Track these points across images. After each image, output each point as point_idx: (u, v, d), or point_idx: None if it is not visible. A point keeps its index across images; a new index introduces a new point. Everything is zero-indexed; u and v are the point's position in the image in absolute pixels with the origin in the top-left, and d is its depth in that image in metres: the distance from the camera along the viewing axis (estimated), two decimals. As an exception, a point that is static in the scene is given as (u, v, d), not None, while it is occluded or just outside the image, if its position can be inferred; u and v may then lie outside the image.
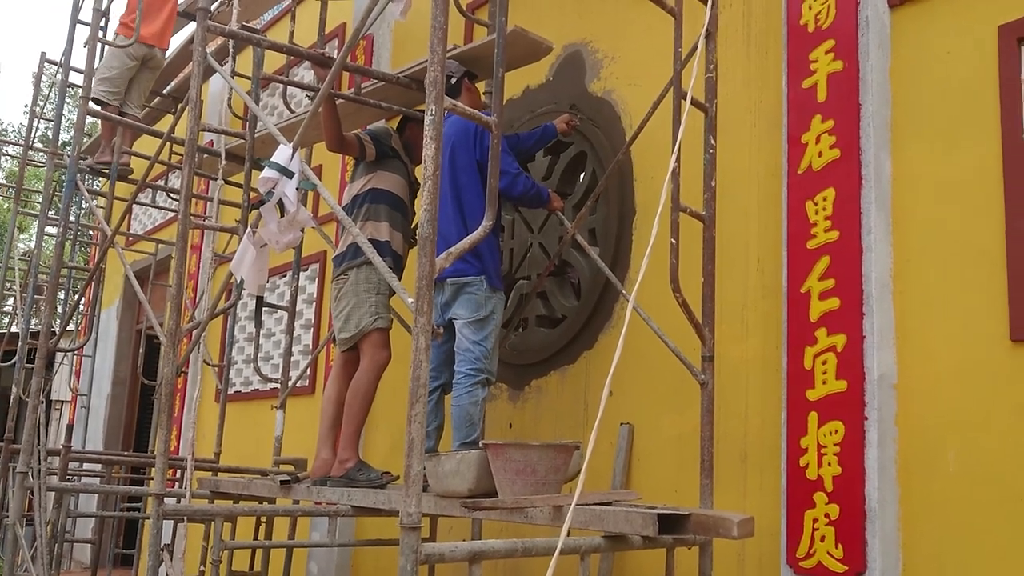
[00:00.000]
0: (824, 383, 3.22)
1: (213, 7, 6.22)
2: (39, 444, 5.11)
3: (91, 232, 10.13)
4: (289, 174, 3.43)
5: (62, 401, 13.30)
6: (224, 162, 5.49)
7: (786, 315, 3.42)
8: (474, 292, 3.87)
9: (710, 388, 3.30)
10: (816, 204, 3.36)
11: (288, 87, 5.96)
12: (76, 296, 8.91)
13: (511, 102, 5.15)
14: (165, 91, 8.54)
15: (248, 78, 6.68)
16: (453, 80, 4.15)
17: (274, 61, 7.33)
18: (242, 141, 5.21)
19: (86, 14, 7.43)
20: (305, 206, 4.09)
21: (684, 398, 3.85)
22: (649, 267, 3.97)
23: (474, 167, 3.95)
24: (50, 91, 13.58)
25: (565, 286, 4.77)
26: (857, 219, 3.24)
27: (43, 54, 8.30)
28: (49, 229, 13.68)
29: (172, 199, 9.29)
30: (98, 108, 6.10)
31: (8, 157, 23.83)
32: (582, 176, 4.74)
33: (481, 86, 4.80)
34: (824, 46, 3.45)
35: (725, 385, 3.69)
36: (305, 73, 7.22)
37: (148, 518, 7.47)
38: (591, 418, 4.31)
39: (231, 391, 7.26)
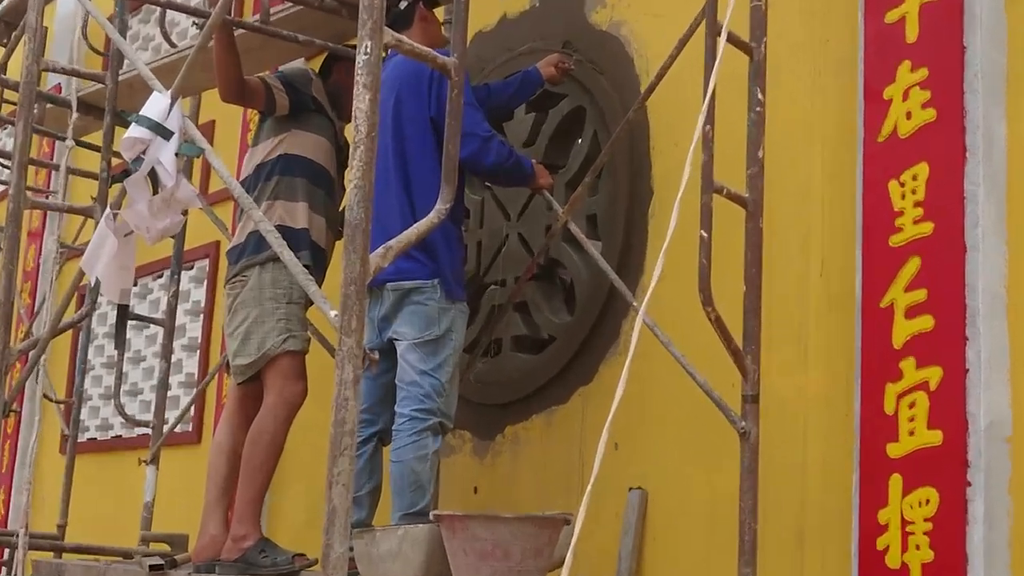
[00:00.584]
0: (911, 434, 3.23)
1: None
2: None
3: None
4: (166, 134, 3.41)
5: None
6: (76, 115, 5.44)
7: (859, 339, 3.41)
8: (424, 302, 3.87)
9: (753, 439, 3.29)
10: (903, 185, 3.37)
11: (168, 11, 5.91)
12: None
13: (481, 36, 5.13)
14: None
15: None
16: (403, 4, 4.15)
17: (149, -26, 7.30)
18: (101, 86, 5.17)
19: None
20: (189, 179, 4.08)
21: (717, 453, 3.84)
22: (669, 270, 3.93)
23: (427, 127, 3.95)
24: None
25: (554, 295, 4.77)
26: (959, 206, 3.25)
27: None
28: None
29: (0, 167, 9.23)
30: None
31: None
32: (579, 141, 4.75)
33: (442, 14, 4.80)
34: (916, -35, 3.48)
35: (774, 436, 3.68)
36: (192, -9, 7.19)
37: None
38: (588, 479, 4.30)
39: (83, 438, 7.17)
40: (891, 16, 3.50)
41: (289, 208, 4.21)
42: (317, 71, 4.62)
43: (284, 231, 3.95)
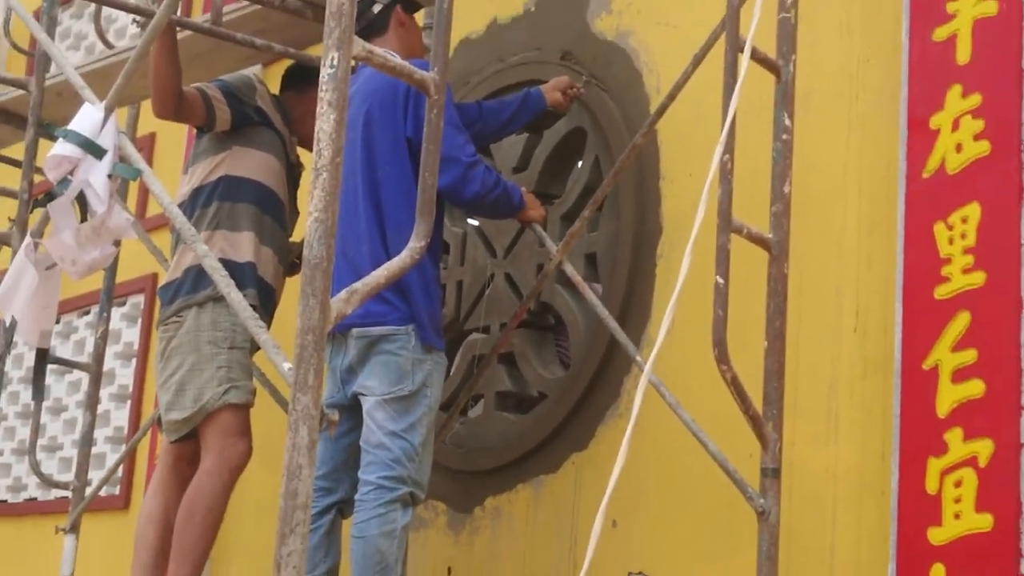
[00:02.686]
0: (957, 517, 3.22)
1: None
2: None
3: None
4: (98, 152, 3.41)
5: None
6: (-8, 126, 5.46)
7: (899, 405, 3.42)
8: (396, 352, 3.87)
9: (773, 520, 3.28)
10: (951, 228, 3.39)
11: (105, 7, 5.92)
12: None
13: (467, 44, 5.15)
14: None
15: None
16: (377, 7, 4.16)
17: (85, -37, 7.32)
18: (23, 93, 5.18)
19: None
20: (124, 203, 4.08)
21: (732, 535, 3.83)
22: (680, 320, 3.96)
23: (402, 149, 3.96)
24: None
25: (545, 345, 4.77)
26: (1016, 254, 3.26)
27: None
28: None
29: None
30: None
31: None
32: (578, 167, 4.75)
33: (423, 17, 4.81)
34: (969, -25, 3.51)
35: (799, 516, 3.68)
36: (134, -16, 7.21)
37: None
38: (581, 562, 4.28)
39: (-9, 500, 7.15)
40: (940, 33, 3.53)
41: (232, 239, 4.21)
42: (285, 75, 4.62)
43: (226, 265, 3.93)
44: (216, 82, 4.41)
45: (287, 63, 4.77)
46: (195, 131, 4.51)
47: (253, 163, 4.33)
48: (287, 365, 2.47)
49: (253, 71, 4.83)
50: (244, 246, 4.22)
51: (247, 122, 4.36)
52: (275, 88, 4.65)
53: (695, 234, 2.85)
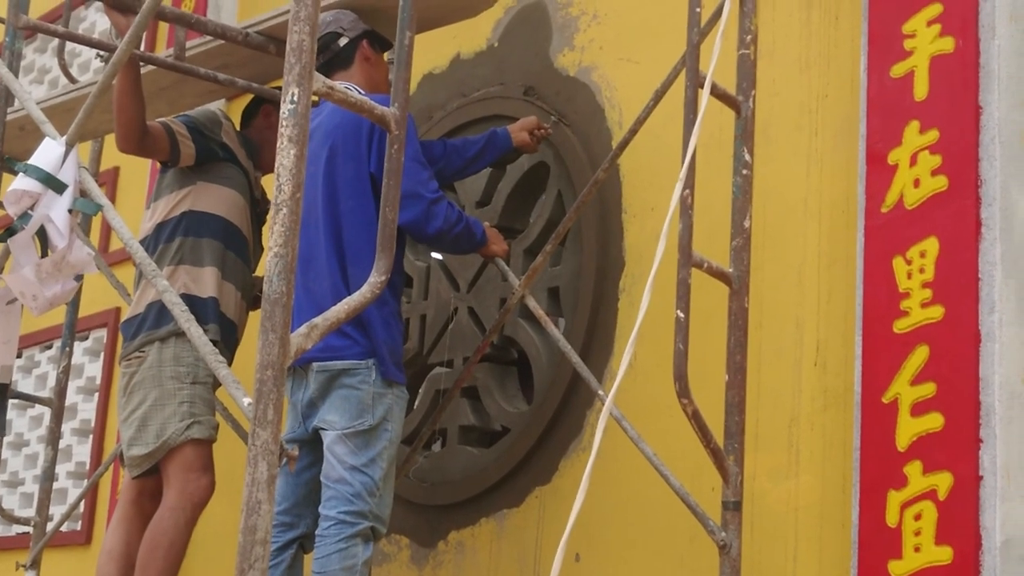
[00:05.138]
0: (917, 550, 3.23)
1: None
2: None
3: None
4: (59, 187, 3.40)
5: None
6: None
7: (859, 438, 3.42)
8: (357, 386, 3.85)
9: (735, 553, 3.29)
10: (910, 262, 3.41)
11: (68, 42, 5.90)
12: None
13: (430, 79, 5.16)
14: None
15: (1, 22, 6.65)
16: (342, 41, 4.16)
17: (48, -2, 7.30)
18: (-14, 126, 5.15)
19: None
20: (86, 237, 4.06)
21: (693, 569, 3.83)
22: (642, 354, 3.98)
23: (366, 185, 3.95)
24: None
25: (508, 379, 4.77)
26: (974, 288, 3.28)
27: None
28: None
29: None
30: None
31: None
32: (541, 202, 4.77)
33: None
34: (927, 12, 3.52)
35: (760, 549, 3.69)
36: (98, 19, 7.18)
37: None
38: (544, 597, 4.28)
39: (-49, 536, 7.07)
40: (897, 70, 3.55)
41: (194, 274, 4.21)
42: (243, 111, 4.62)
43: (188, 300, 3.93)
44: (181, 117, 4.41)
45: (249, 98, 4.77)
46: (159, 166, 4.50)
47: (217, 199, 4.33)
48: (247, 400, 2.47)
49: (218, 106, 4.82)
50: (207, 281, 4.21)
51: (212, 158, 4.36)
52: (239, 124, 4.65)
53: (655, 269, 2.86)
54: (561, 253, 4.55)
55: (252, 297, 4.45)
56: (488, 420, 4.72)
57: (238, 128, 4.61)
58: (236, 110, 4.94)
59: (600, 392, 3.91)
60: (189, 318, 2.87)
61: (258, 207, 4.48)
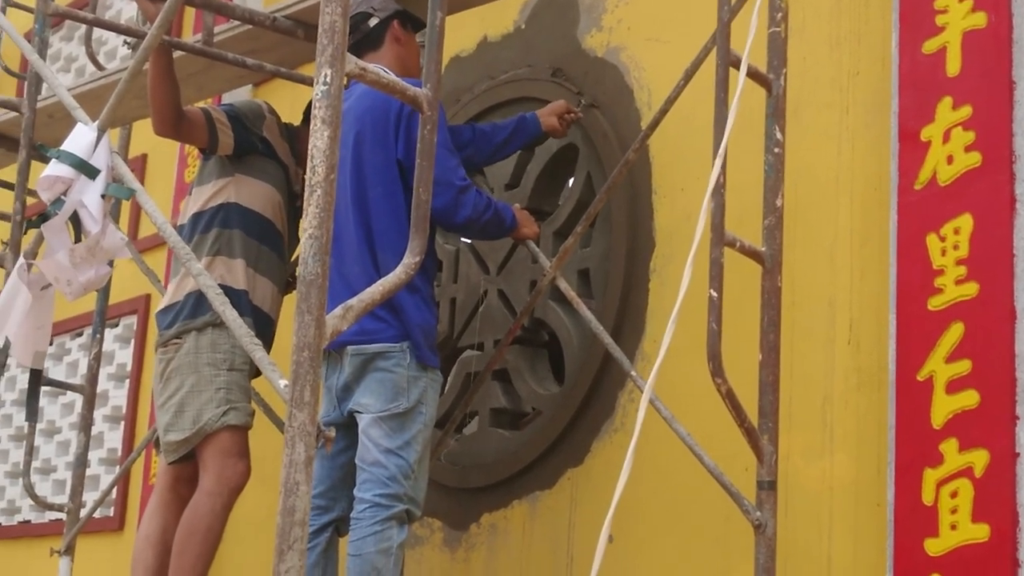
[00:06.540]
0: (953, 528, 3.22)
1: None
2: None
3: None
4: (92, 172, 3.41)
5: None
6: (-15, 148, 5.46)
7: (894, 416, 3.42)
8: (391, 369, 3.86)
9: (770, 533, 3.28)
10: (943, 239, 3.40)
11: (95, 28, 5.92)
12: None
13: (457, 62, 5.16)
14: None
15: (30, 10, 6.67)
16: (373, 21, 4.15)
17: (75, -14, 7.32)
18: (16, 115, 5.17)
19: None
20: (117, 224, 4.07)
21: (728, 548, 3.84)
22: (675, 334, 3.96)
23: (393, 172, 3.95)
24: None
25: (539, 361, 4.76)
26: (1009, 264, 3.27)
27: None
28: None
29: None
30: None
31: None
32: (570, 184, 4.76)
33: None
34: (958, -12, 3.52)
35: (795, 528, 3.68)
36: (125, 7, 7.20)
37: None
38: (578, 579, 4.28)
39: (-14, 524, 7.13)
40: (929, 46, 3.54)
41: (229, 265, 4.23)
42: (306, 107, 4.61)
43: (224, 290, 3.94)
44: (225, 106, 4.43)
45: (279, 83, 4.77)
46: (199, 153, 4.51)
47: (253, 193, 4.34)
48: (283, 382, 2.46)
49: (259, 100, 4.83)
50: (238, 274, 4.23)
51: (251, 150, 4.37)
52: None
53: (695, 247, 2.84)
54: (591, 234, 4.55)
55: (284, 291, 4.46)
56: (519, 402, 4.73)
57: (300, 121, 4.61)
58: (264, 95, 4.94)
59: (633, 373, 3.91)
60: (225, 302, 2.87)
61: (297, 201, 4.47)
